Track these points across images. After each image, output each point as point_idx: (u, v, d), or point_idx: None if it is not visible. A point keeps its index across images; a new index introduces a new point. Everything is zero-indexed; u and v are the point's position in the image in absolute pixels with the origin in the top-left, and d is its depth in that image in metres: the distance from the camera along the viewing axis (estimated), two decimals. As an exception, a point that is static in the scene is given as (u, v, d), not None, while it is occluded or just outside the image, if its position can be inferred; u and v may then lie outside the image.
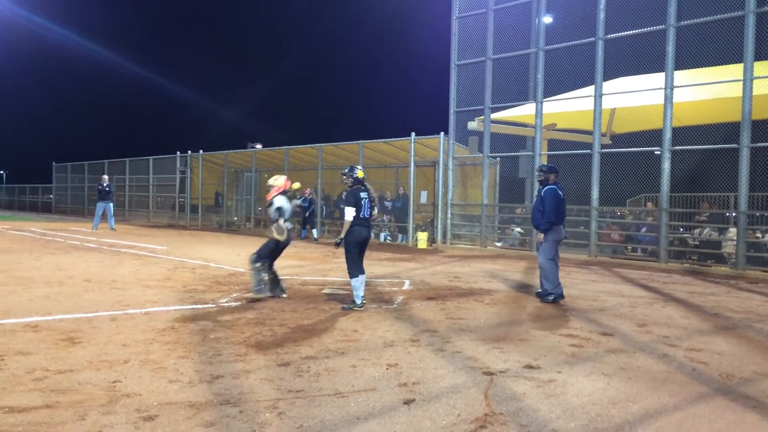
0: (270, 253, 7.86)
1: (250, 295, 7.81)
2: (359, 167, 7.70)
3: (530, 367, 4.95)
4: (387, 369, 4.84)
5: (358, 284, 7.32)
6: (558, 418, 3.82)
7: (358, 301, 7.29)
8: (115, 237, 18.18)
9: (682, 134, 13.27)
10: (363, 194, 7.43)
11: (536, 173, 8.51)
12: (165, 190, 27.53)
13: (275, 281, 7.97)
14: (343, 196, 8.19)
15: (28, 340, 5.42)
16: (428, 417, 3.80)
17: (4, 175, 50.54)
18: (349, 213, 7.28)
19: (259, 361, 4.97)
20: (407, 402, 4.07)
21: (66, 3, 65.27)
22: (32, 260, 11.49)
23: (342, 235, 7.35)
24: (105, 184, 21.56)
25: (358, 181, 7.53)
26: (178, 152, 26.23)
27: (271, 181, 8.10)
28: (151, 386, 4.24)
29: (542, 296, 8.15)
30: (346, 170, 7.63)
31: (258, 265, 7.73)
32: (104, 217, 21.30)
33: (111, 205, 21.53)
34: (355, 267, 7.35)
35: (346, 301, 7.56)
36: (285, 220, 7.78)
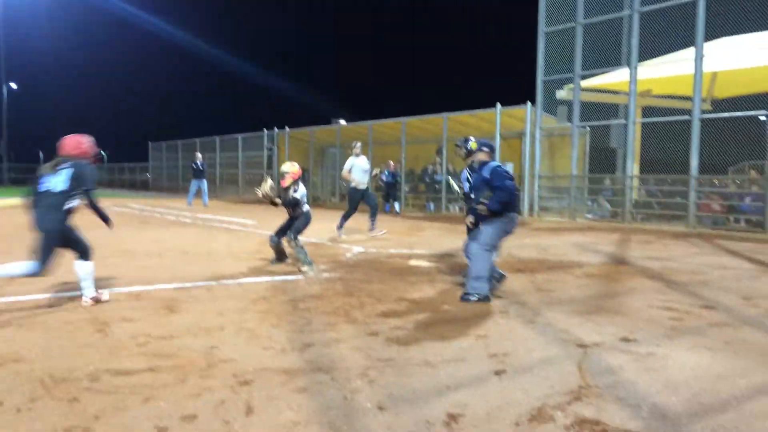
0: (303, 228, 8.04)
1: (306, 269, 7.68)
2: (473, 138, 7.51)
3: (627, 340, 4.76)
4: (476, 340, 4.78)
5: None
6: (658, 392, 3.65)
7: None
8: (208, 212, 18.90)
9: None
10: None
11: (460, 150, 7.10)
12: (254, 166, 28.31)
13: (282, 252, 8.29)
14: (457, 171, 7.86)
15: (131, 307, 5.71)
16: (520, 388, 3.72)
17: (105, 156, 53.48)
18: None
19: (349, 330, 5.02)
20: (498, 372, 4.00)
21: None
22: (133, 234, 12.10)
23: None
24: (199, 163, 22.35)
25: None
26: (265, 129, 26.86)
27: (285, 168, 8.00)
28: (246, 353, 4.37)
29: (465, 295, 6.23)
30: (461, 141, 7.39)
31: (298, 241, 7.84)
32: (198, 193, 22.14)
33: (205, 182, 22.35)
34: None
35: (431, 273, 7.52)
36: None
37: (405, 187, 20.71)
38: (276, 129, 26.38)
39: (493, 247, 6.34)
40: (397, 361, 4.22)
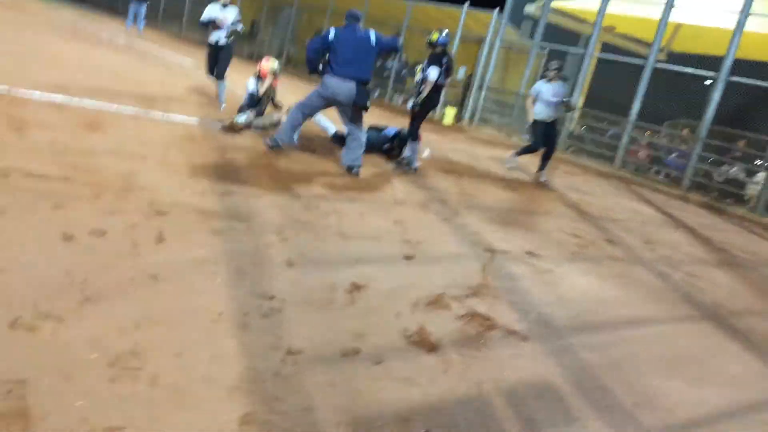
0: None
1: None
2: (438, 30, 7.39)
3: (532, 254, 5.01)
4: (394, 224, 4.90)
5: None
6: (548, 304, 3.91)
7: (414, 164, 7.65)
8: (143, 41, 17.86)
9: (739, 66, 12.55)
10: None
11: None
12: (201, 5, 26.58)
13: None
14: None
15: (52, 116, 5.46)
16: (425, 275, 3.88)
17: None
18: (433, 72, 7.30)
19: (273, 188, 5.03)
20: (408, 257, 4.15)
21: None
22: (62, 44, 11.36)
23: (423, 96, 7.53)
24: None
25: (434, 46, 7.35)
26: (222, -32, 25.14)
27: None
28: (165, 186, 4.31)
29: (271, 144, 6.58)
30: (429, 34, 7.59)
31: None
32: (136, 19, 20.69)
33: (144, 6, 20.80)
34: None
35: (367, 156, 7.53)
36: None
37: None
38: (234, -29, 24.72)
39: (306, 107, 6.63)
40: (314, 226, 4.29)
